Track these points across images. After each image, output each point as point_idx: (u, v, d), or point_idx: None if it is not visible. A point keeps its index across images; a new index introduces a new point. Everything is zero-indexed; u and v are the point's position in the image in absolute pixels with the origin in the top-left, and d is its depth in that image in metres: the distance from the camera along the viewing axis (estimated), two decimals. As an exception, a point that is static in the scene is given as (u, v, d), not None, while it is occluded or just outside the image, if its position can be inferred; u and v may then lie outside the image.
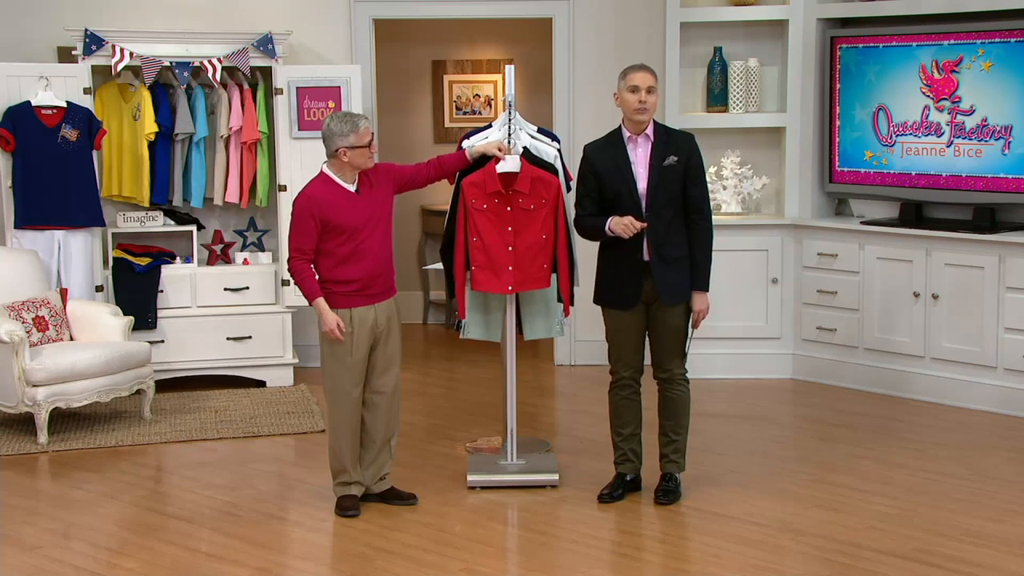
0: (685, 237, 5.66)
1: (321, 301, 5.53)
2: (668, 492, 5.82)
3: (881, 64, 7.66)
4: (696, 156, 5.66)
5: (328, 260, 5.57)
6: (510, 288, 5.95)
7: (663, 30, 8.00)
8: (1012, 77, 7.12)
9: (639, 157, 5.63)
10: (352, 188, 5.58)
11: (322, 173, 5.61)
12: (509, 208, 5.90)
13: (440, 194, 10.06)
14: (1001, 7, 7.13)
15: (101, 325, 7.27)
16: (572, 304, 6.10)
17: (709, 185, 6.38)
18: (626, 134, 5.65)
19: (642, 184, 5.61)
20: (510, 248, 5.90)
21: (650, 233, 5.60)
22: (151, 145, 7.91)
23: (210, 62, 7.80)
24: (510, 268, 5.92)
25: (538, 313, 6.24)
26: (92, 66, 7.72)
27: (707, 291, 5.70)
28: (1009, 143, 7.18)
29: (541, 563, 5.21)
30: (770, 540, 5.35)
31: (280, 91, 7.85)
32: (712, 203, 6.71)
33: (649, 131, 5.64)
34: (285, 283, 7.93)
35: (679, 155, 5.61)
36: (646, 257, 5.62)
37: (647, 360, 5.85)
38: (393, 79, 10.05)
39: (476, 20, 9.47)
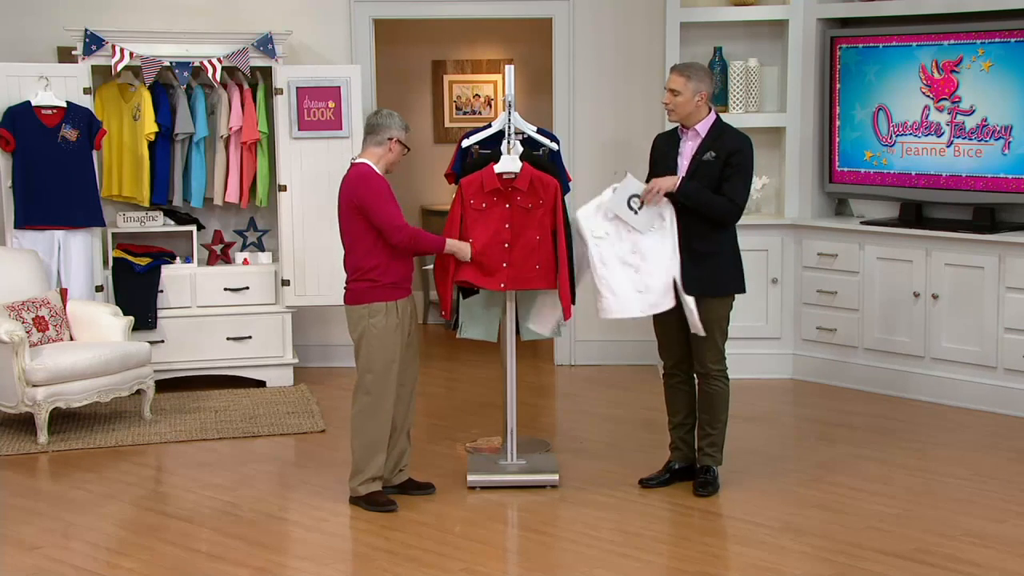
0: (720, 235, 5.79)
1: (450, 240, 5.81)
2: (705, 484, 5.90)
3: (881, 64, 7.67)
4: (738, 156, 5.74)
5: (384, 254, 5.64)
6: (502, 285, 5.95)
7: (663, 30, 8.00)
8: (1012, 77, 7.12)
9: (687, 150, 5.81)
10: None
11: (365, 164, 5.68)
12: (508, 206, 5.90)
13: (440, 194, 10.07)
14: (1001, 7, 7.13)
15: (101, 325, 7.27)
16: (573, 303, 6.09)
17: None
18: (680, 127, 5.85)
19: (681, 174, 5.77)
20: (506, 245, 5.90)
21: (680, 223, 5.76)
22: (151, 145, 7.91)
23: (210, 62, 7.80)
24: (504, 265, 5.92)
25: (535, 314, 6.24)
26: (92, 66, 7.71)
27: (676, 186, 5.66)
28: (1009, 143, 7.18)
29: (541, 563, 5.21)
30: (770, 540, 5.35)
31: (280, 91, 7.85)
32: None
33: (701, 127, 5.79)
34: (285, 283, 7.94)
35: (720, 152, 5.72)
36: None
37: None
38: (393, 79, 10.05)
39: (476, 20, 9.46)
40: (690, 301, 5.71)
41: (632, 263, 5.71)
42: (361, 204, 5.59)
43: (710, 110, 5.82)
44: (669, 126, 6.06)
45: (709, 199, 5.71)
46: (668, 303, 5.75)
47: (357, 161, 5.73)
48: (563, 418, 7.54)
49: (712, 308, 5.77)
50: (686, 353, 5.94)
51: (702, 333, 5.75)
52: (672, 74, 5.80)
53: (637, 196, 5.72)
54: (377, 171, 5.67)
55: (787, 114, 7.99)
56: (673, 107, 5.76)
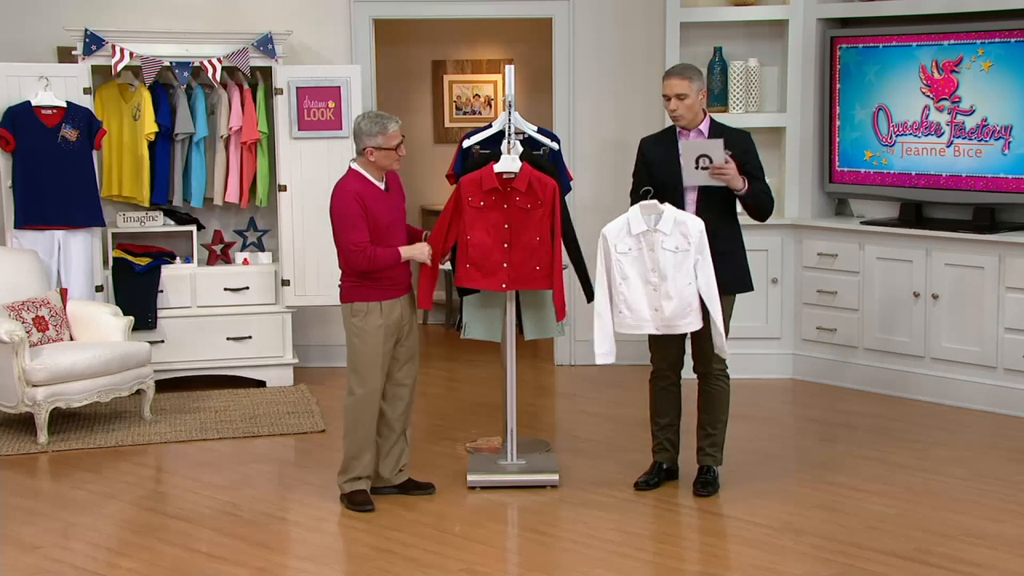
0: (736, 232, 5.84)
1: (404, 248, 5.68)
2: (706, 484, 5.91)
3: (881, 64, 7.67)
4: (750, 154, 5.79)
5: None
6: (504, 286, 5.95)
7: (663, 30, 8.00)
8: (1012, 77, 7.12)
9: None
10: (382, 186, 5.69)
11: (352, 170, 5.69)
12: (506, 206, 5.90)
13: (440, 194, 10.06)
14: (1001, 7, 7.13)
15: (101, 325, 7.27)
16: (590, 300, 6.05)
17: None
18: (678, 129, 5.81)
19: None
20: (505, 245, 5.90)
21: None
22: (151, 145, 7.91)
23: (210, 62, 7.80)
24: (505, 265, 5.92)
25: (538, 313, 6.24)
26: (92, 66, 7.71)
27: (745, 188, 5.69)
28: (1009, 143, 7.18)
29: (541, 563, 5.21)
30: (770, 540, 5.35)
31: (280, 91, 7.85)
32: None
33: (704, 127, 5.79)
34: (285, 283, 7.93)
35: (734, 150, 5.72)
36: None
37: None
38: (393, 79, 10.05)
39: (476, 20, 9.47)
40: (721, 327, 5.69)
41: (651, 281, 5.69)
42: (329, 218, 5.63)
43: (703, 110, 5.84)
44: (670, 124, 6.03)
45: (763, 196, 5.79)
46: (688, 325, 5.70)
47: (350, 166, 5.71)
48: (563, 418, 7.54)
49: (723, 306, 5.76)
50: (679, 357, 5.96)
51: (726, 355, 5.75)
52: (672, 80, 5.74)
53: (709, 158, 5.61)
54: (366, 177, 5.63)
55: (787, 114, 7.99)
56: (682, 112, 5.73)
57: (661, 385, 6.02)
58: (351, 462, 5.78)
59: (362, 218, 5.56)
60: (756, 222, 6.55)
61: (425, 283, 5.92)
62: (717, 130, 5.81)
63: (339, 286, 5.78)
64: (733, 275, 5.82)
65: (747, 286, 5.92)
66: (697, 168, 5.64)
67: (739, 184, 5.67)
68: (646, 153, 5.90)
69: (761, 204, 5.82)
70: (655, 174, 5.80)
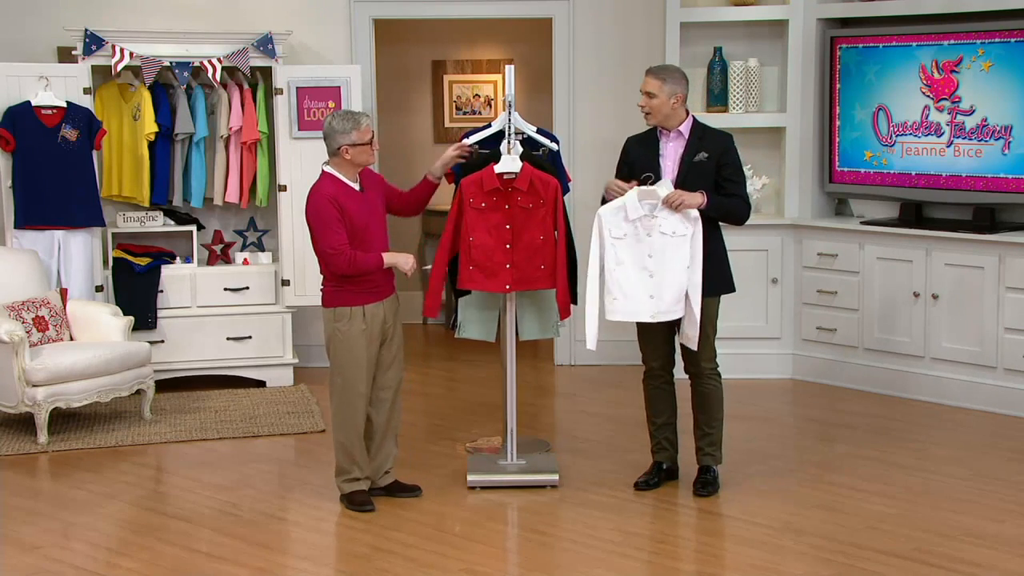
0: (717, 234, 5.82)
1: (387, 255, 5.63)
2: (706, 484, 5.91)
3: (881, 64, 7.67)
4: (730, 154, 5.78)
5: None
6: (508, 287, 5.95)
7: (663, 30, 8.00)
8: (1012, 77, 7.12)
9: (669, 152, 5.80)
10: (356, 187, 5.64)
11: (325, 173, 5.65)
12: (508, 206, 5.90)
13: (441, 195, 10.03)
14: (1001, 7, 7.13)
15: (101, 325, 7.27)
16: (575, 303, 6.07)
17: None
18: (659, 129, 5.83)
19: (668, 177, 5.75)
20: (508, 246, 5.90)
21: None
22: (151, 145, 7.91)
23: (210, 62, 7.80)
24: (508, 266, 5.92)
25: (534, 313, 6.24)
26: (92, 66, 7.71)
27: (705, 203, 5.64)
28: (1009, 143, 7.18)
29: (541, 563, 5.21)
30: (770, 540, 5.36)
31: (280, 91, 7.85)
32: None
33: (684, 128, 5.79)
34: (285, 283, 7.94)
35: (711, 152, 5.73)
36: None
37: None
38: (393, 79, 10.05)
39: (476, 20, 9.46)
40: (698, 316, 5.69)
41: (648, 267, 5.68)
42: (306, 223, 5.61)
43: (687, 111, 5.83)
44: None
45: (729, 205, 5.76)
46: (677, 313, 5.72)
47: (323, 169, 5.67)
48: (563, 418, 7.54)
49: (708, 307, 5.77)
50: (670, 355, 5.97)
51: (694, 347, 5.75)
52: (647, 77, 5.80)
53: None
54: (340, 179, 5.60)
55: (787, 114, 7.99)
56: (649, 110, 5.77)
57: (654, 384, 6.02)
58: (344, 464, 5.78)
59: (339, 220, 5.53)
60: (750, 222, 6.59)
61: (434, 290, 5.93)
62: (700, 129, 5.81)
63: (321, 290, 5.76)
64: (718, 276, 5.81)
65: (730, 287, 5.92)
66: (656, 216, 5.69)
67: (697, 202, 5.64)
68: (630, 152, 5.91)
69: (728, 214, 5.79)
70: (636, 174, 5.80)
